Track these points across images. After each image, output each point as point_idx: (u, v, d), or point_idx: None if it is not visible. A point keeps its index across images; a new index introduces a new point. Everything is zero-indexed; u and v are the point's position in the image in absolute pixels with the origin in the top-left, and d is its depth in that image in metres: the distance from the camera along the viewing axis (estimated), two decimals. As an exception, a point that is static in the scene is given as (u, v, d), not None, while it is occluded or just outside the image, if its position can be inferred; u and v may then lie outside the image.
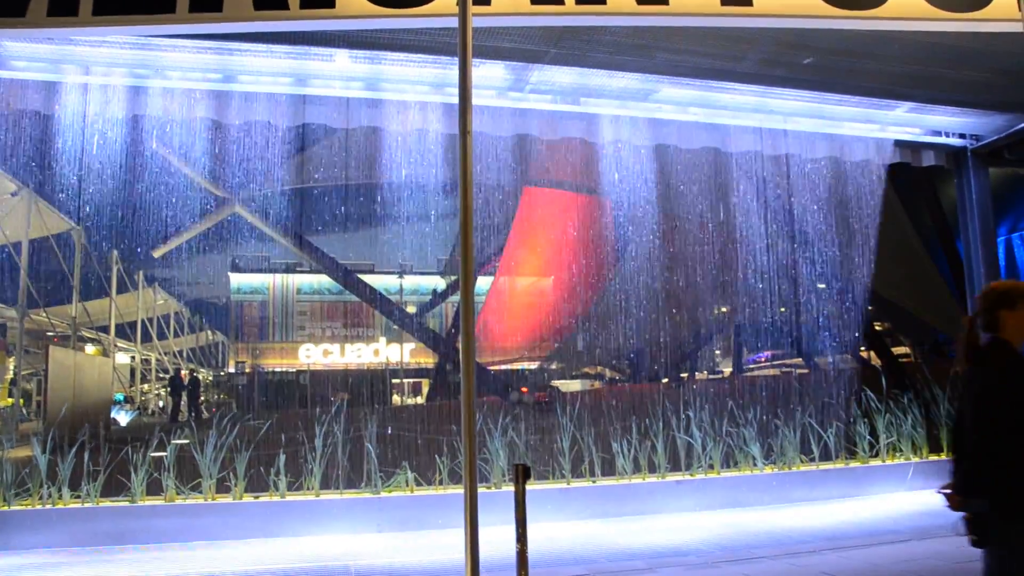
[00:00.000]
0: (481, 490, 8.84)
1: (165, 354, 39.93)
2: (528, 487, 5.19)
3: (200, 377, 33.64)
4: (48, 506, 8.69)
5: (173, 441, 9.28)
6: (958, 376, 3.89)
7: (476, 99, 5.81)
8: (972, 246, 11.67)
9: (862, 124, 11.38)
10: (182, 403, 26.71)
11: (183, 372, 34.51)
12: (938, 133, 11.75)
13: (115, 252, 29.81)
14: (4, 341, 26.33)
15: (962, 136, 11.77)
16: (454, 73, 5.07)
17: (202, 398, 28.55)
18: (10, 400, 22.45)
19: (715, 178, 11.43)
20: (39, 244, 19.96)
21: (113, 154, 9.25)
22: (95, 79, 8.90)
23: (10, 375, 25.85)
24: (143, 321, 35.90)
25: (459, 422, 4.87)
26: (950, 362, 12.25)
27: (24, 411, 25.27)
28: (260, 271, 57.19)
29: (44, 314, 23.66)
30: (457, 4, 5.13)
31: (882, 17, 7.54)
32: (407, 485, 9.53)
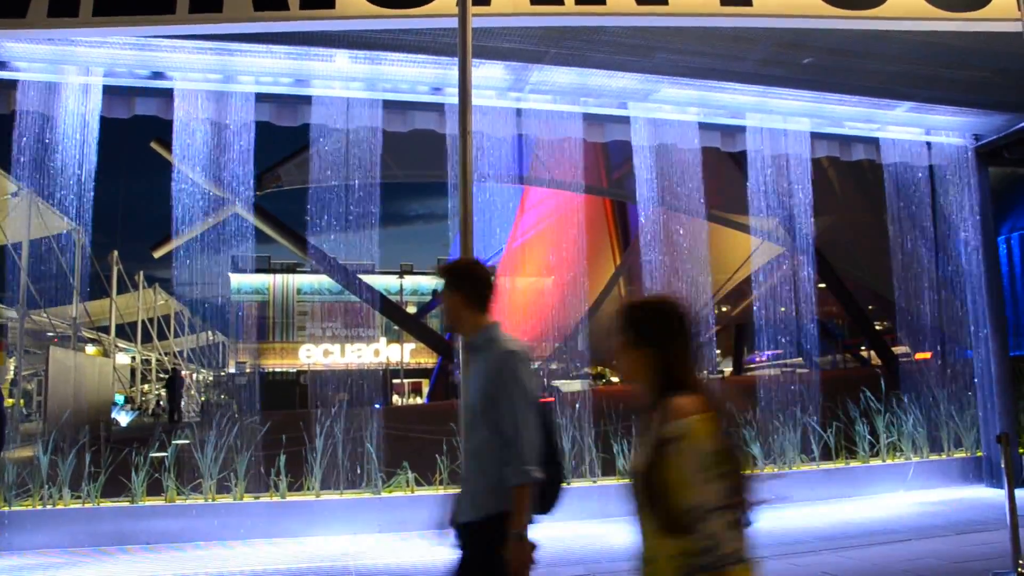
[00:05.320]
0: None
1: (166, 354, 39.98)
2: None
3: (184, 376, 33.63)
4: (49, 507, 8.71)
5: (174, 441, 9.29)
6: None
7: (476, 99, 5.82)
8: (971, 246, 11.68)
9: (862, 124, 11.38)
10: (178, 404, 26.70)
11: (183, 372, 34.51)
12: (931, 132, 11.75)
13: (115, 252, 29.84)
14: (5, 342, 26.32)
15: (978, 138, 11.74)
16: (454, 73, 5.07)
17: (184, 399, 28.55)
18: (11, 401, 22.45)
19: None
20: (38, 244, 19.96)
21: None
22: (95, 79, 8.90)
23: (11, 376, 25.84)
24: (143, 321, 35.93)
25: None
26: (951, 361, 12.26)
27: (25, 411, 25.28)
28: (261, 271, 57.32)
29: (45, 315, 23.67)
30: (457, 4, 5.14)
31: (882, 17, 7.56)
32: (407, 485, 9.54)
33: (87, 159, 8.86)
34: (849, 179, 26.07)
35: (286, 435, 9.49)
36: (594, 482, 9.97)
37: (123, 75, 8.93)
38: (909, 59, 9.30)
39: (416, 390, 53.22)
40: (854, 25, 7.74)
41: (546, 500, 3.34)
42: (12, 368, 25.07)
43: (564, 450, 9.81)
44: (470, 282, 3.52)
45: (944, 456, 11.46)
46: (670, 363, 2.51)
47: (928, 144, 11.82)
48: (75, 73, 8.78)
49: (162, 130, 9.28)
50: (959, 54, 9.13)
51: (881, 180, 11.95)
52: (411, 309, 51.69)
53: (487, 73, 9.22)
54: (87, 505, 8.77)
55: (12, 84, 8.76)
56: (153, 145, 19.69)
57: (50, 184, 8.79)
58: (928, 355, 12.38)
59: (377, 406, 10.90)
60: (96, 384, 21.61)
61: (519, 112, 10.07)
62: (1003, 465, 6.81)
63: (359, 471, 9.41)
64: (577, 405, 10.25)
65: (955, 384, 11.77)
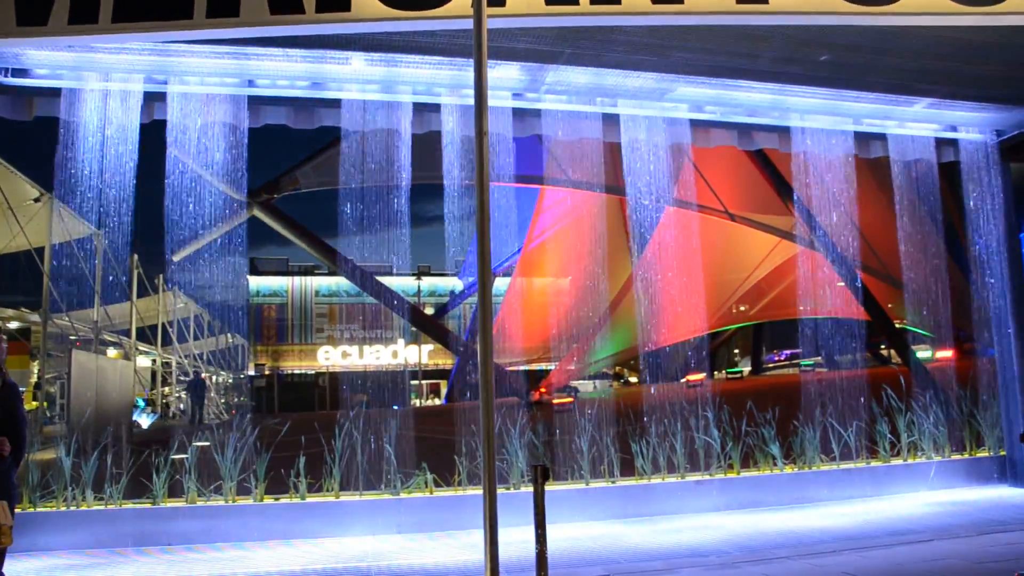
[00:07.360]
0: (500, 491, 8.86)
1: (185, 357, 40.26)
2: (547, 488, 5.20)
3: (205, 379, 33.85)
4: (72, 508, 8.79)
5: (194, 443, 9.36)
6: None
7: (492, 100, 5.83)
8: (993, 243, 11.54)
9: (880, 120, 11.29)
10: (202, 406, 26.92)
11: (203, 375, 34.76)
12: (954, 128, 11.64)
13: (135, 256, 30.09)
14: (28, 345, 26.61)
15: (1000, 133, 11.60)
16: (470, 75, 5.08)
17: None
18: (35, 404, 22.70)
19: None
20: (61, 249, 20.16)
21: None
22: (115, 85, 8.98)
23: (34, 379, 26.11)
24: (163, 324, 36.20)
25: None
26: (973, 360, 12.14)
27: (48, 414, 25.53)
28: (279, 273, 57.60)
29: (67, 318, 23.91)
30: (472, 5, 5.15)
31: (899, 12, 7.49)
32: (426, 486, 9.56)
33: (116, 165, 8.97)
34: (867, 175, 25.86)
35: (305, 436, 9.53)
36: (612, 482, 9.96)
37: (144, 80, 9.03)
38: (927, 55, 9.22)
39: (435, 391, 53.39)
40: (871, 21, 7.67)
41: None
42: (35, 371, 25.35)
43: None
44: None
45: (966, 455, 11.35)
46: None
47: (948, 140, 11.70)
48: (95, 79, 8.88)
49: (181, 134, 9.33)
50: (978, 49, 9.04)
51: (900, 176, 11.83)
52: (428, 310, 51.81)
53: (503, 74, 9.22)
54: (109, 507, 8.85)
55: (33, 91, 8.88)
56: (171, 150, 19.85)
57: (74, 189, 8.89)
58: (950, 354, 12.26)
59: (395, 407, 10.93)
60: (118, 387, 21.82)
61: (537, 112, 10.06)
62: (1026, 464, 6.74)
63: (381, 473, 9.43)
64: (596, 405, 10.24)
65: (977, 383, 11.65)
